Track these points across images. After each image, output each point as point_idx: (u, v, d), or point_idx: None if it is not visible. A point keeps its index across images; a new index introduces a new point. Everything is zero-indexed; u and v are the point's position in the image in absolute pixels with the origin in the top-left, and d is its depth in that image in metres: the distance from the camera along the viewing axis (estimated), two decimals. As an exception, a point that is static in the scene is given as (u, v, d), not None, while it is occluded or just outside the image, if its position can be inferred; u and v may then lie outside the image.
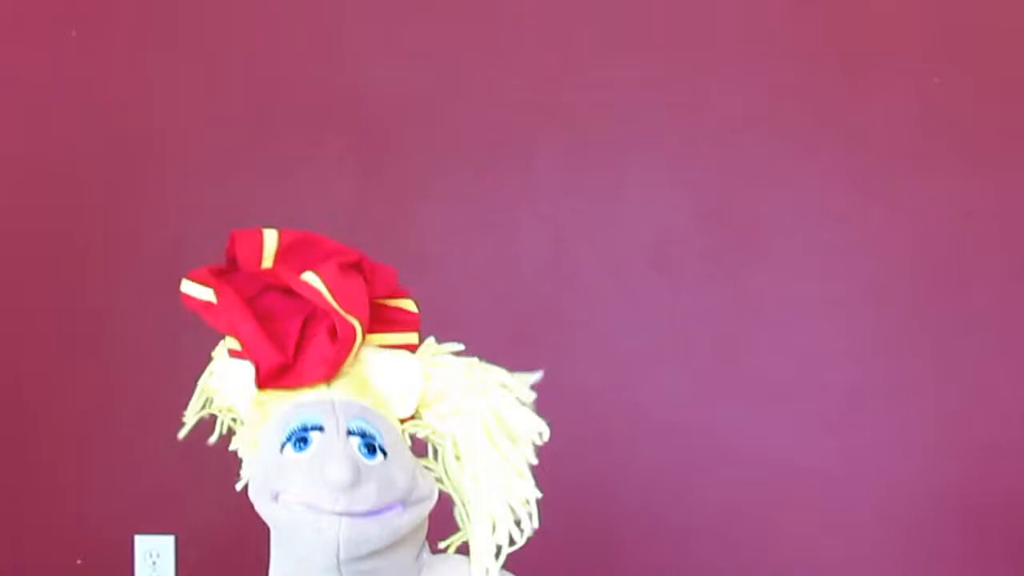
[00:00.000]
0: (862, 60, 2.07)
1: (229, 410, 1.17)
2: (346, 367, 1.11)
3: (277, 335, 1.09)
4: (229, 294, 1.11)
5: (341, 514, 1.03)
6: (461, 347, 1.15)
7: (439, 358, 1.14)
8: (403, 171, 2.11)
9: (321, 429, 1.06)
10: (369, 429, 1.07)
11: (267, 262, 1.13)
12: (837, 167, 2.07)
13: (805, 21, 2.08)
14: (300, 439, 1.06)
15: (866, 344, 2.06)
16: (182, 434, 1.21)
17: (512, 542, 1.09)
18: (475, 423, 1.10)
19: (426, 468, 1.13)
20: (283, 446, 1.07)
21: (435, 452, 1.15)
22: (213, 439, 1.19)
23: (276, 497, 1.06)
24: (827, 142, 2.07)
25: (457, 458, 1.11)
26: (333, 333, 1.08)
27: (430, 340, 1.16)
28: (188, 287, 1.16)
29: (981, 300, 2.05)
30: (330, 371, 1.08)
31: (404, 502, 1.07)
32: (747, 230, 2.08)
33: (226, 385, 1.14)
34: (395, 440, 1.09)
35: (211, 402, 1.19)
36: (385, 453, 1.07)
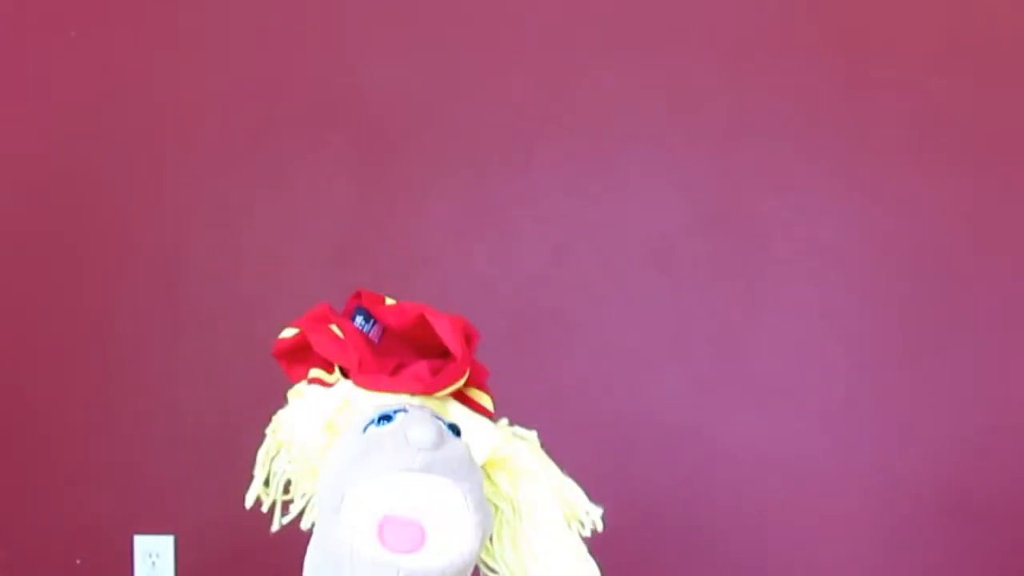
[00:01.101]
0: (862, 60, 2.07)
1: (300, 448, 1.11)
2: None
3: (377, 362, 1.10)
4: (343, 320, 1.12)
5: (421, 469, 1.00)
6: (534, 433, 1.14)
7: (508, 428, 1.14)
8: (404, 171, 2.11)
9: (405, 411, 1.05)
10: (448, 421, 1.07)
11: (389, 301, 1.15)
12: (837, 167, 2.07)
13: (805, 22, 2.08)
14: (384, 417, 1.05)
15: (865, 344, 2.06)
16: (252, 498, 1.14)
17: None
18: (546, 489, 1.09)
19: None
20: (366, 428, 1.05)
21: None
22: (266, 506, 1.14)
23: (339, 507, 1.02)
24: (826, 143, 2.07)
25: (527, 518, 1.09)
26: (432, 370, 1.09)
27: (503, 421, 1.15)
28: (290, 333, 1.13)
29: (981, 300, 2.05)
30: (425, 387, 1.08)
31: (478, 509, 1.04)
32: (746, 230, 2.08)
33: (297, 419, 1.10)
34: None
35: (277, 459, 1.13)
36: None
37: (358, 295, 1.16)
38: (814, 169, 2.08)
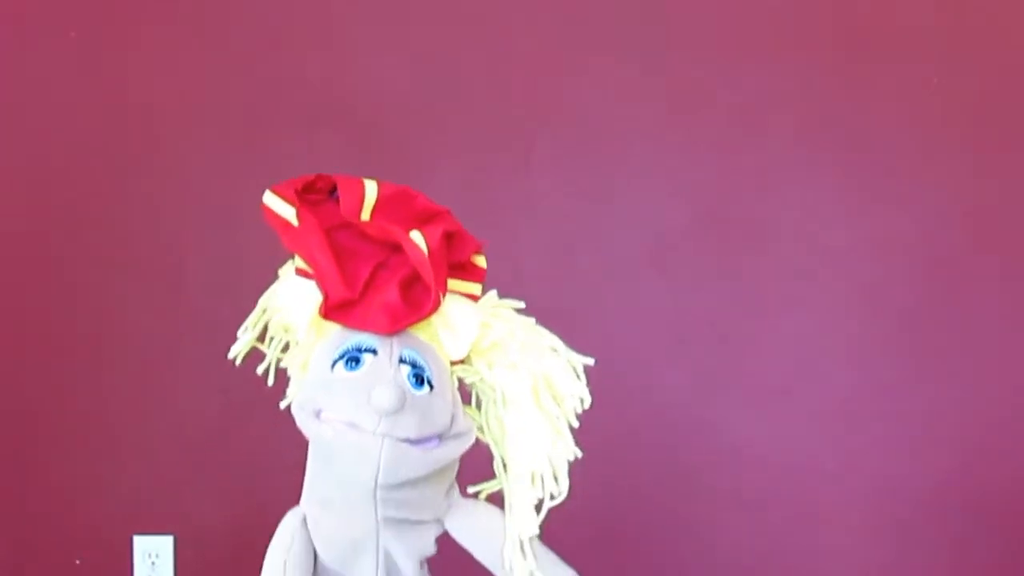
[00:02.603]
0: (861, 60, 2.07)
1: (285, 329, 1.19)
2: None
3: (348, 271, 1.12)
4: (309, 220, 1.13)
5: (383, 436, 1.06)
6: (522, 304, 1.19)
7: (499, 310, 1.18)
8: (402, 171, 2.09)
9: (374, 352, 1.10)
10: (420, 360, 1.10)
11: (366, 213, 1.15)
12: (836, 167, 2.07)
13: (804, 21, 2.08)
14: (352, 359, 1.10)
15: (865, 344, 2.06)
16: (238, 351, 1.22)
17: (552, 496, 1.13)
18: (525, 378, 1.14)
19: (467, 415, 1.16)
20: (335, 363, 1.10)
21: (478, 402, 1.17)
22: (261, 369, 1.21)
23: (319, 414, 1.09)
24: (826, 142, 2.07)
25: (504, 404, 1.14)
26: (404, 286, 1.11)
27: (492, 293, 1.19)
28: (271, 200, 1.15)
29: (981, 300, 2.05)
30: (393, 323, 1.10)
31: (442, 436, 1.10)
32: (746, 229, 2.08)
33: (288, 303, 1.17)
34: (443, 376, 1.12)
35: (269, 319, 1.21)
36: (432, 386, 1.10)
37: (333, 186, 1.16)
38: (814, 169, 2.07)
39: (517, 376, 1.14)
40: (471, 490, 1.18)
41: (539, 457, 1.13)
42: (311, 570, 1.13)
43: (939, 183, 2.05)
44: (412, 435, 1.07)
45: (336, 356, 1.10)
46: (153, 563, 2.09)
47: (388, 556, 1.12)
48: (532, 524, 1.13)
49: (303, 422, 1.10)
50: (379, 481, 1.07)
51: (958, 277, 2.05)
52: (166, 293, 2.12)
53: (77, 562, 2.12)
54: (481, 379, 1.15)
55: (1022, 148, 2.06)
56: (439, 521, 1.15)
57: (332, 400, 1.08)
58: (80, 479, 2.13)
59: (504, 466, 1.15)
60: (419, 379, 1.10)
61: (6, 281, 2.14)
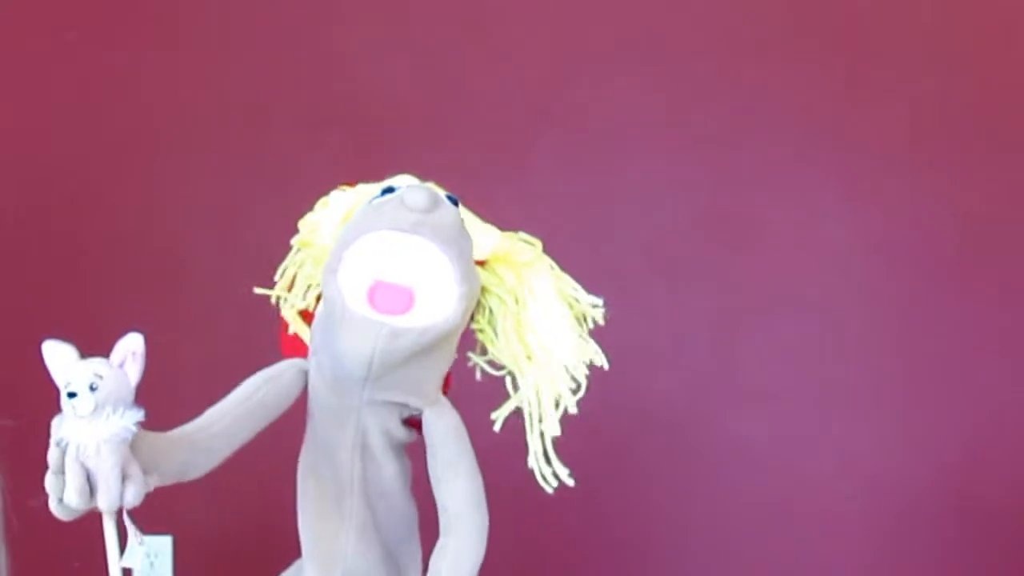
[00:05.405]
0: (860, 60, 2.07)
1: (309, 244, 1.22)
2: None
3: None
4: None
5: (410, 229, 1.08)
6: (540, 242, 1.22)
7: (517, 235, 1.21)
8: (402, 171, 2.10)
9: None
10: (450, 195, 1.15)
11: None
12: (835, 167, 2.07)
13: (802, 22, 2.09)
14: (387, 190, 1.14)
15: (865, 344, 2.06)
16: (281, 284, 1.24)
17: (572, 392, 1.15)
18: (544, 277, 1.17)
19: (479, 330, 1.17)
20: (372, 201, 1.14)
21: (490, 319, 1.18)
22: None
23: (336, 272, 1.10)
24: (824, 143, 2.08)
25: (522, 301, 1.15)
26: None
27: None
28: None
29: (980, 300, 2.05)
30: None
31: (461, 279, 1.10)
32: (745, 230, 2.08)
33: (321, 219, 1.21)
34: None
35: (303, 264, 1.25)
36: None
37: None
38: (814, 169, 2.08)
39: (537, 274, 1.17)
40: (492, 416, 1.17)
41: (560, 349, 1.14)
42: (283, 408, 1.17)
43: (938, 183, 2.05)
44: (448, 232, 1.09)
45: (374, 196, 1.14)
46: (152, 563, 2.09)
47: (365, 432, 1.14)
48: (552, 425, 1.14)
49: (324, 278, 1.12)
50: (373, 363, 1.08)
51: (957, 277, 2.06)
52: (167, 293, 2.12)
53: (76, 565, 2.12)
54: (499, 282, 1.17)
55: (1019, 148, 2.06)
56: (419, 410, 1.15)
57: (367, 221, 1.10)
58: (79, 480, 2.12)
59: (517, 383, 1.15)
60: (452, 201, 1.14)
61: (5, 281, 2.14)
